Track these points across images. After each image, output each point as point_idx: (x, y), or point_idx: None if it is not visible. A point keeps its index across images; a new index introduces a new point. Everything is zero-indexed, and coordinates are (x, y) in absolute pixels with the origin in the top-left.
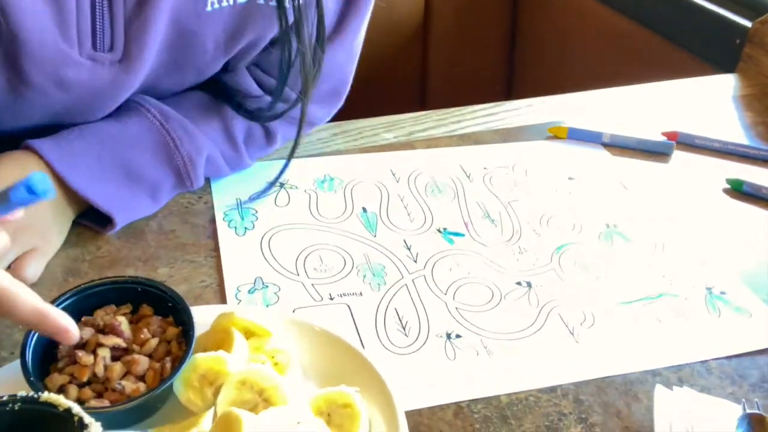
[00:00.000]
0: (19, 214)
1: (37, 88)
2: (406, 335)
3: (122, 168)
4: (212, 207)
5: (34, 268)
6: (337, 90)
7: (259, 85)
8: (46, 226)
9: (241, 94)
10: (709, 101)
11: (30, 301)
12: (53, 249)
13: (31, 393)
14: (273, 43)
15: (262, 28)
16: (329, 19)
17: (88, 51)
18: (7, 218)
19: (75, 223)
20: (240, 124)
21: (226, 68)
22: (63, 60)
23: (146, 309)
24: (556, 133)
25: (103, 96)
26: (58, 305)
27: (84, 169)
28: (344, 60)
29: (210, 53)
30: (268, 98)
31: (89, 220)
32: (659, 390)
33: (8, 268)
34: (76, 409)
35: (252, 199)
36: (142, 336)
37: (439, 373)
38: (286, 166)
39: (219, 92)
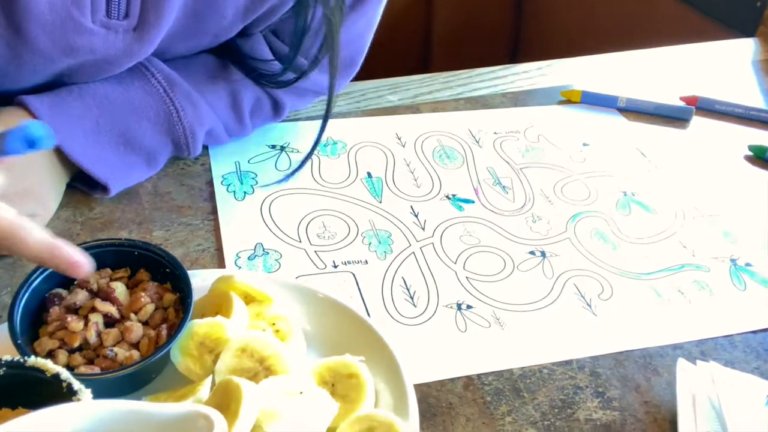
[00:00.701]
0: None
1: (42, 54)
2: (414, 305)
3: (120, 135)
4: (209, 169)
5: None
6: (353, 60)
7: (273, 51)
8: (43, 191)
9: (253, 59)
10: (728, 66)
11: (40, 234)
12: (50, 214)
13: (17, 357)
14: (292, 9)
15: None
16: None
17: (101, 18)
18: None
19: (67, 185)
20: (248, 94)
21: (242, 33)
22: (73, 26)
23: (143, 274)
24: (569, 97)
25: (112, 64)
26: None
27: (80, 136)
28: (363, 29)
29: (228, 19)
30: (279, 65)
31: (82, 182)
32: (682, 363)
33: None
34: (65, 374)
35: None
36: (138, 302)
37: (450, 345)
38: (323, 128)
39: (230, 56)
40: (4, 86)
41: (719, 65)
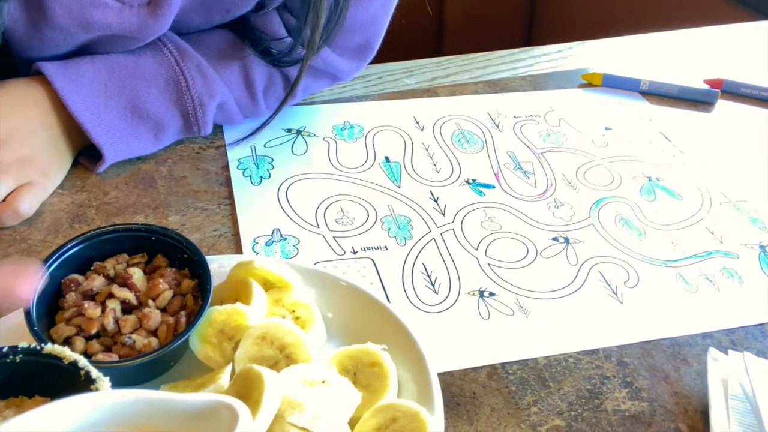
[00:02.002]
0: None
1: (60, 29)
2: (435, 292)
3: (129, 101)
4: (225, 153)
5: (30, 203)
6: (369, 44)
7: (286, 28)
8: (46, 160)
9: (267, 36)
10: (752, 49)
11: None
12: (52, 185)
13: (34, 344)
14: None
15: None
16: None
17: None
18: None
19: (81, 167)
20: (261, 70)
21: (256, 9)
22: (89, 1)
23: (161, 260)
24: (590, 80)
25: (129, 39)
26: (65, 251)
27: (87, 95)
28: (378, 12)
29: None
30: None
31: (87, 156)
32: (713, 353)
33: (3, 201)
34: (83, 362)
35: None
36: (156, 288)
37: (473, 334)
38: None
39: (244, 33)
40: (24, 54)
41: (742, 48)
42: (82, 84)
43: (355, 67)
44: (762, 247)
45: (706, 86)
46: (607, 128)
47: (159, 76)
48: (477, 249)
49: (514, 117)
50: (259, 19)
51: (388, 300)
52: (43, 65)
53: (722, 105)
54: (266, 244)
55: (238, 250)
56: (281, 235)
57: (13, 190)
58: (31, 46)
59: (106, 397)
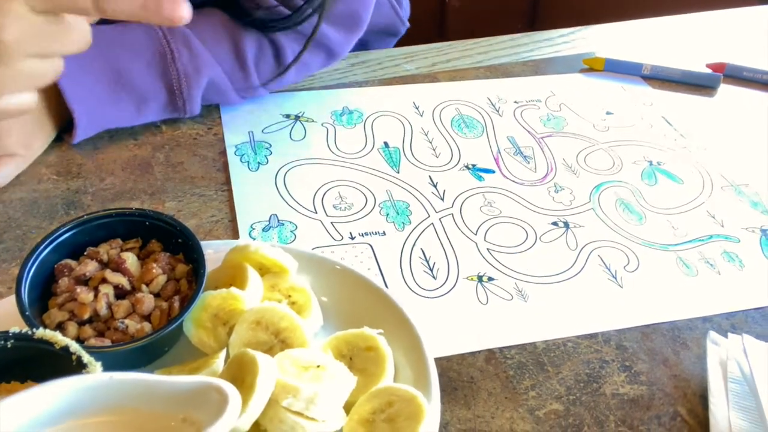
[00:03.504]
0: None
1: None
2: (434, 277)
3: (113, 71)
4: (222, 139)
5: (6, 174)
6: (356, 12)
7: None
8: (29, 130)
9: (257, 4)
10: (754, 33)
11: None
12: (32, 156)
13: (25, 329)
14: None
15: None
16: None
17: None
18: None
19: (77, 154)
20: (251, 41)
21: None
22: None
23: (155, 245)
24: (592, 65)
25: None
26: (58, 236)
27: (71, 61)
28: None
29: None
30: (283, 11)
31: (67, 130)
32: (712, 336)
33: None
34: (74, 347)
35: None
36: (150, 273)
37: (471, 318)
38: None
39: (233, 5)
40: None
41: (745, 32)
42: None
43: (343, 38)
44: (763, 231)
45: (708, 70)
46: (608, 113)
47: (145, 47)
48: (476, 234)
49: (515, 102)
50: None
51: (386, 285)
52: None
53: (724, 89)
54: (263, 229)
55: (235, 235)
56: (278, 220)
57: None
58: None
59: (93, 379)
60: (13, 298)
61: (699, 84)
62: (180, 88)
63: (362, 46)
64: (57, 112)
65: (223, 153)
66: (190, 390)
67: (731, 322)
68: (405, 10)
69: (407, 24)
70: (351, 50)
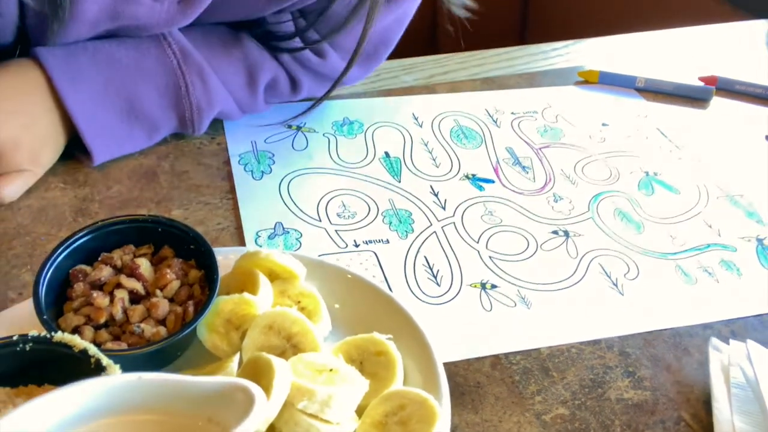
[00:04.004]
0: None
1: (89, 22)
2: (438, 285)
3: (127, 101)
4: (226, 148)
5: (15, 190)
6: (377, 53)
7: (296, 28)
8: (39, 145)
9: (276, 34)
10: (745, 47)
11: None
12: (41, 171)
13: (44, 333)
14: None
15: None
16: None
17: None
18: None
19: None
20: (266, 72)
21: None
22: None
23: (167, 250)
24: (587, 78)
25: (149, 29)
26: (75, 241)
27: (85, 92)
28: (393, 25)
29: (264, 1)
30: (298, 43)
31: (78, 146)
32: (714, 342)
33: None
34: (93, 350)
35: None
36: (164, 278)
37: (476, 325)
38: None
39: (251, 28)
40: (39, 43)
41: (736, 46)
42: (81, 81)
43: (361, 73)
44: (759, 240)
45: (700, 83)
46: (604, 124)
47: (159, 78)
48: (478, 242)
49: (512, 113)
50: (273, 17)
51: (391, 291)
52: (43, 55)
53: (717, 102)
54: (269, 237)
55: (241, 243)
56: (284, 228)
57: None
58: (49, 38)
59: (118, 380)
60: (24, 303)
61: (692, 96)
62: (192, 118)
63: None
64: (66, 126)
65: (227, 162)
66: (215, 390)
67: (731, 329)
68: None
69: None
70: None
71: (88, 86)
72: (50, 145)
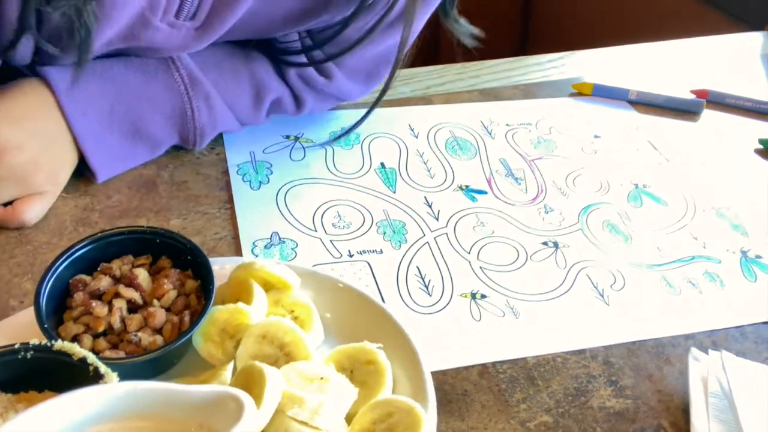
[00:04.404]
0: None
1: (103, 45)
2: (429, 294)
3: (132, 124)
4: (224, 158)
5: (36, 213)
6: (379, 72)
7: (302, 45)
8: (57, 166)
9: (284, 51)
10: (738, 59)
11: None
12: (59, 190)
13: (45, 341)
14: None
15: (337, 11)
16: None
17: (170, 19)
18: None
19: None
20: (272, 92)
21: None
22: (141, 22)
23: (165, 261)
24: (581, 90)
25: (163, 52)
26: (75, 251)
27: (92, 116)
28: (395, 46)
29: (278, 25)
30: (317, 77)
31: (86, 164)
32: (694, 352)
33: (7, 205)
34: (92, 358)
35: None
36: (161, 288)
37: (465, 334)
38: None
39: (260, 46)
40: (49, 60)
41: (729, 59)
42: (88, 106)
43: (361, 90)
44: (743, 252)
45: (692, 96)
46: (596, 136)
47: (166, 102)
48: (469, 253)
49: (507, 125)
50: (283, 38)
51: (384, 301)
52: (52, 77)
53: (708, 114)
54: (265, 247)
55: (238, 252)
56: (280, 238)
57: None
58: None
59: (115, 388)
60: (25, 311)
61: (683, 109)
62: (194, 140)
63: None
64: (77, 146)
65: (226, 172)
66: (207, 398)
67: (712, 339)
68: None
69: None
70: None
71: (94, 110)
72: (66, 165)
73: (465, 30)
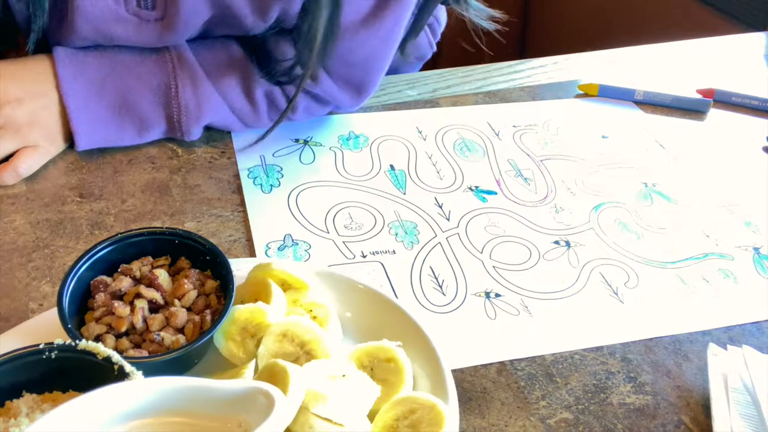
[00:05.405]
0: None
1: (88, 40)
2: (443, 294)
3: (120, 95)
4: (235, 162)
5: (30, 165)
6: (363, 82)
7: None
8: (54, 125)
9: (274, 56)
10: (741, 60)
11: None
12: (55, 150)
13: (68, 341)
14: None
15: None
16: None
17: (133, 8)
18: None
19: (99, 177)
20: (262, 88)
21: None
22: (111, 16)
23: (184, 262)
24: (587, 91)
25: (146, 46)
26: (96, 253)
27: (82, 83)
28: (378, 48)
29: (249, 17)
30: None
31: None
32: (713, 348)
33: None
34: (116, 357)
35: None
36: (182, 288)
37: (481, 332)
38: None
39: (254, 48)
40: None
41: (733, 59)
42: (82, 72)
43: (354, 101)
44: (756, 249)
45: (698, 96)
46: (603, 136)
47: (153, 77)
48: (482, 252)
49: (514, 126)
50: (272, 39)
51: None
52: (57, 49)
53: (714, 113)
54: (279, 248)
55: (252, 254)
56: (293, 240)
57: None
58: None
59: (146, 384)
60: (46, 314)
61: (689, 109)
62: (180, 120)
63: (393, 71)
64: (62, 101)
65: (238, 176)
66: (239, 393)
67: (729, 336)
68: (437, 36)
69: (435, 48)
70: None
71: (85, 78)
72: (66, 127)
73: (481, 12)
